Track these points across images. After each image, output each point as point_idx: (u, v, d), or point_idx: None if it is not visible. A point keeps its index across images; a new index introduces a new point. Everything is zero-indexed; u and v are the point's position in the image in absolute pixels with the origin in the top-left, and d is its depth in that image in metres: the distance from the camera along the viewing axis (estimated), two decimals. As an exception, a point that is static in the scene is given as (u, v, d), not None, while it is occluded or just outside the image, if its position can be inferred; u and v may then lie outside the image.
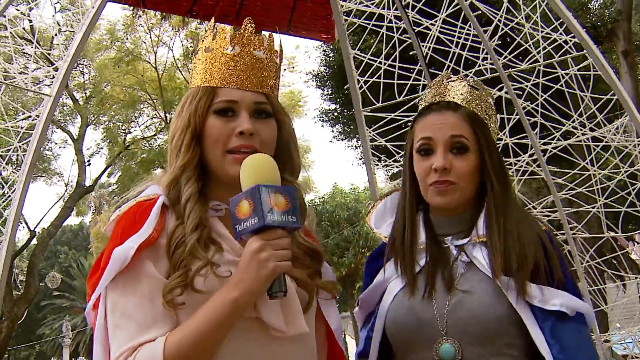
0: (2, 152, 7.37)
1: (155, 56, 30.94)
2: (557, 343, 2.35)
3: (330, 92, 21.27)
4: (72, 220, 54.11)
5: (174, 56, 31.82)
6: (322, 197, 39.97)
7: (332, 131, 24.55)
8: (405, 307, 2.50)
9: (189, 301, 2.05)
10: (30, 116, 7.07)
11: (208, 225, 2.20)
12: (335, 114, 21.89)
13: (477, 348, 2.39)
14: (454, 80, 2.72)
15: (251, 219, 1.99)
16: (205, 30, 2.36)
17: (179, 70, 31.85)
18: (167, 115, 29.83)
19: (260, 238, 1.99)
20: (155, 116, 29.28)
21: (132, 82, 28.58)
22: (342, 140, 23.46)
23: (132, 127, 29.80)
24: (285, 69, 34.43)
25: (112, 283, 2.10)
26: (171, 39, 30.60)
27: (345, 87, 8.08)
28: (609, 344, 8.16)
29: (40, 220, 32.20)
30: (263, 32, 2.37)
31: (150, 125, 29.50)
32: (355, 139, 21.77)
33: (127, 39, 30.31)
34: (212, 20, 2.37)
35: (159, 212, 2.19)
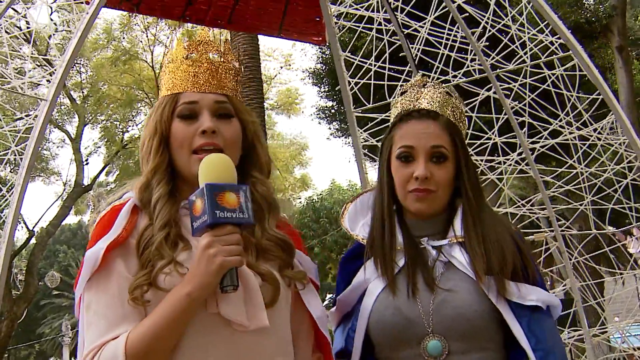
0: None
1: (152, 55, 30.88)
2: (533, 336, 2.48)
3: (327, 89, 21.27)
4: (71, 219, 54.06)
5: (171, 54, 31.93)
6: (320, 194, 40.01)
7: (330, 128, 24.52)
8: (391, 307, 2.58)
9: (155, 298, 2.14)
10: (27, 118, 7.16)
11: (178, 224, 2.28)
12: (332, 111, 21.90)
13: (462, 343, 2.50)
14: (428, 86, 2.80)
15: (203, 216, 2.07)
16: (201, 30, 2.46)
17: (176, 69, 31.92)
18: (165, 113, 29.86)
19: (210, 234, 2.08)
20: (152, 115, 29.35)
21: (129, 81, 28.64)
22: (340, 137, 23.45)
23: (130, 125, 29.90)
24: (282, 67, 34.41)
25: (88, 283, 2.21)
26: (168, 38, 30.56)
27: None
28: (597, 339, 8.26)
29: (39, 219, 32.19)
30: (219, 37, 2.48)
31: (147, 124, 29.58)
32: (359, 130, 21.76)
33: (123, 38, 30.31)
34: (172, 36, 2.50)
35: (129, 212, 2.30)
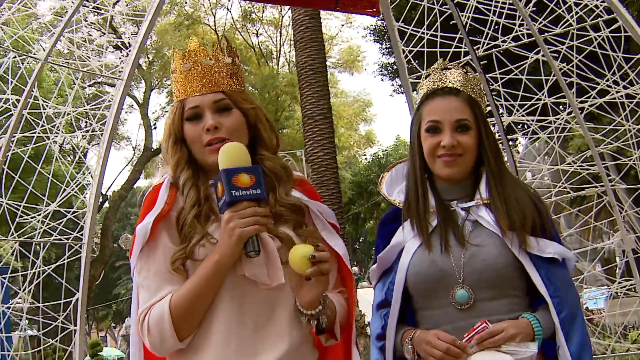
0: (82, 132, 8.08)
1: (215, 18, 31.34)
2: (551, 284, 2.88)
3: (388, 45, 21.28)
4: (142, 183, 54.99)
5: (232, 17, 32.22)
6: (386, 150, 40.05)
7: (392, 85, 24.72)
8: (426, 261, 2.97)
9: (193, 267, 2.62)
10: (103, 94, 7.67)
11: (209, 200, 2.72)
12: (395, 67, 21.99)
13: (489, 291, 2.90)
14: (449, 68, 3.17)
15: (223, 196, 2.51)
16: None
17: (238, 32, 32.27)
18: (228, 76, 30.14)
19: (230, 211, 2.51)
20: (216, 78, 29.66)
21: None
22: (403, 93, 23.38)
23: (195, 89, 30.31)
24: (343, 25, 34.56)
25: (140, 253, 2.69)
26: (229, 1, 31.01)
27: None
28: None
29: (112, 183, 33.05)
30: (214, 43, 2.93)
31: (212, 87, 29.93)
32: (415, 92, 21.76)
33: (186, 2, 30.77)
34: (172, 50, 2.95)
35: (168, 188, 2.76)
